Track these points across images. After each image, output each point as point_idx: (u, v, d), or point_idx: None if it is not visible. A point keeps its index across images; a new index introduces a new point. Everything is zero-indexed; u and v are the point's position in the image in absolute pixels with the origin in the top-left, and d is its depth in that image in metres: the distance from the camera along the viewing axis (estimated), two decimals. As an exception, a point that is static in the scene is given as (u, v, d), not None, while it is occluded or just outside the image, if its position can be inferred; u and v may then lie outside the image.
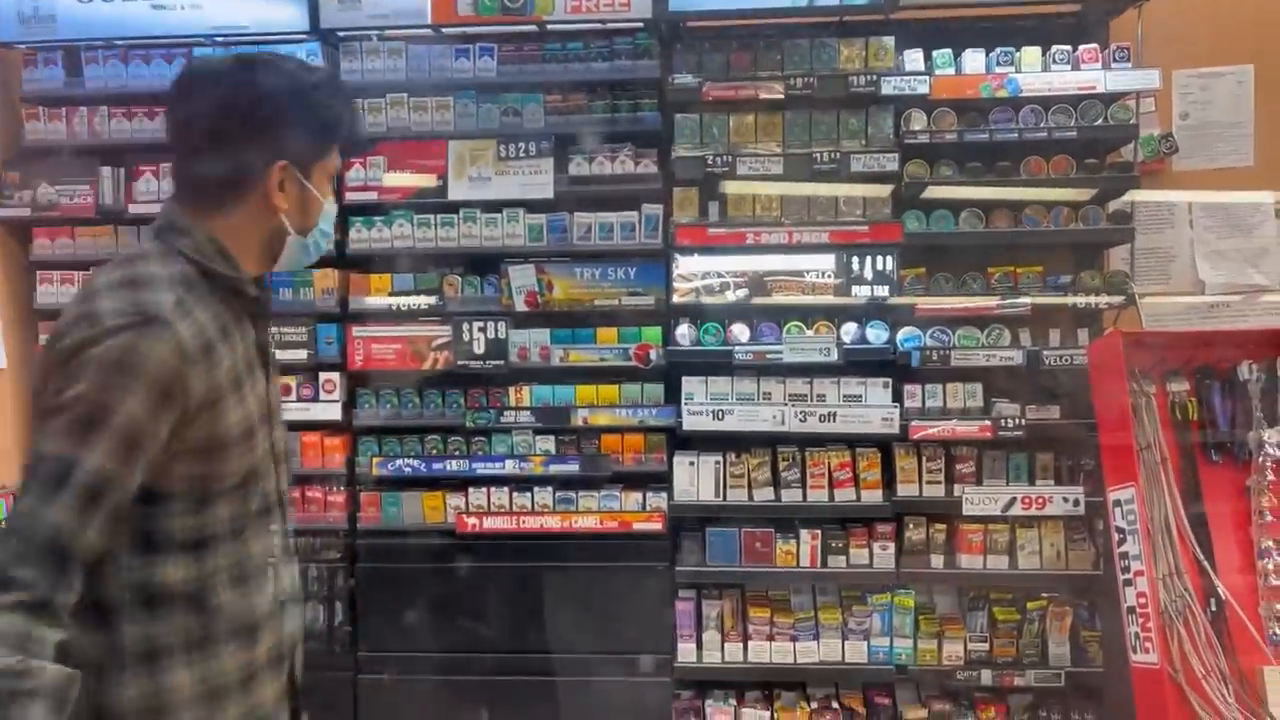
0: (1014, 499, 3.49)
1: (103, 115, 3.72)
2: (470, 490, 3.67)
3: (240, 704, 1.44)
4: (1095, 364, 3.34)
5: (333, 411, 3.72)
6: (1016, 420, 3.48)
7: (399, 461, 3.70)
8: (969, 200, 3.53)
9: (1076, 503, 3.48)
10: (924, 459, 3.56)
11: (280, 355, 3.70)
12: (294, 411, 3.71)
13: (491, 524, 3.64)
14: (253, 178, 1.47)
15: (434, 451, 3.70)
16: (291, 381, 3.73)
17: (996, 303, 3.52)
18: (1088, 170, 3.50)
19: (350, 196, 3.67)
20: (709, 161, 3.52)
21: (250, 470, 1.46)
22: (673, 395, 3.63)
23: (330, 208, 1.59)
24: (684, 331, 3.61)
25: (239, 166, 1.46)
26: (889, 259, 3.56)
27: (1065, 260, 3.65)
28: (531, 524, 3.63)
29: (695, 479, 3.59)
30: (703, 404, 3.57)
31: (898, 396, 3.57)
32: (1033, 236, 3.55)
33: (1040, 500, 3.49)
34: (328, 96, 1.52)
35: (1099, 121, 3.47)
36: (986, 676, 3.52)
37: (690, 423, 3.56)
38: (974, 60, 3.50)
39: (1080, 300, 3.52)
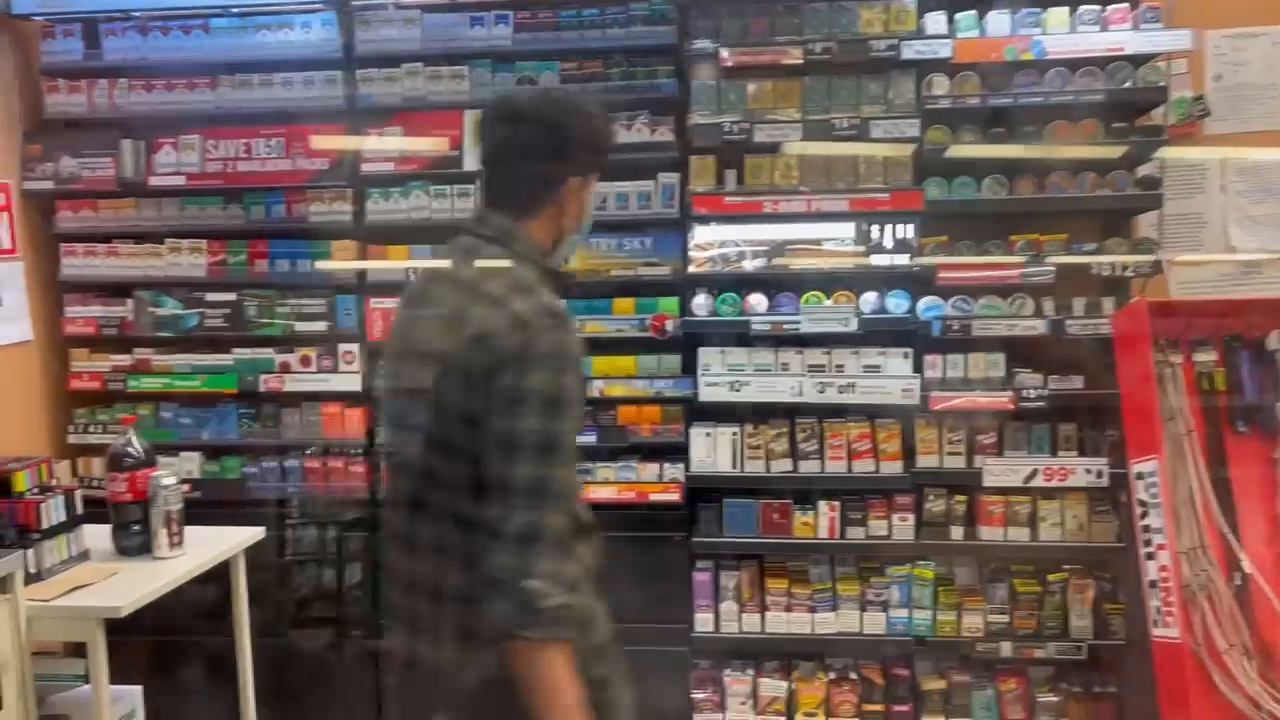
0: (1035, 470, 3.44)
1: (122, 87, 3.73)
2: (488, 460, 3.68)
3: (590, 588, 1.80)
4: (1119, 333, 3.28)
5: (352, 383, 3.73)
6: (1039, 391, 3.43)
7: (418, 432, 3.70)
8: (992, 166, 3.46)
9: (1100, 474, 3.42)
10: (944, 430, 3.52)
11: (299, 327, 3.76)
12: (313, 383, 3.75)
13: (510, 493, 3.64)
14: (557, 190, 1.81)
15: (453, 422, 3.71)
16: (311, 353, 3.75)
17: (1021, 261, 3.44)
18: (1115, 135, 3.41)
19: (366, 168, 3.67)
20: (726, 129, 3.47)
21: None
22: (689, 366, 3.61)
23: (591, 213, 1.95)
24: (701, 302, 3.57)
25: (550, 181, 1.81)
26: (910, 227, 3.50)
27: (1091, 227, 3.57)
28: (550, 493, 3.63)
29: (713, 450, 3.58)
30: (720, 375, 3.54)
31: (918, 367, 3.52)
32: (1058, 203, 3.47)
33: (1062, 472, 3.44)
34: (604, 126, 1.91)
35: (1128, 84, 3.37)
36: (1006, 648, 3.50)
37: (707, 394, 3.54)
38: (998, 22, 3.40)
39: (1104, 258, 3.42)
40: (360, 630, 3.78)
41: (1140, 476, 3.06)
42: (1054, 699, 3.53)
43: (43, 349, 3.84)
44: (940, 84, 3.45)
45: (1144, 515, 3.04)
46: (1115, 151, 3.43)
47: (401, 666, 1.83)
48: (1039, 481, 3.45)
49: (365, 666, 3.76)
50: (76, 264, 3.83)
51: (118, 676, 2.99)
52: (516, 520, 1.60)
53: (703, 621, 3.59)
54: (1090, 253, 3.47)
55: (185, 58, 3.68)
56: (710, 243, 3.59)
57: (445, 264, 1.89)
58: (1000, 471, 3.46)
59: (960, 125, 3.47)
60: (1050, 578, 3.53)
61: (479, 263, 1.78)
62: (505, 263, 1.76)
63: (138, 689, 3.06)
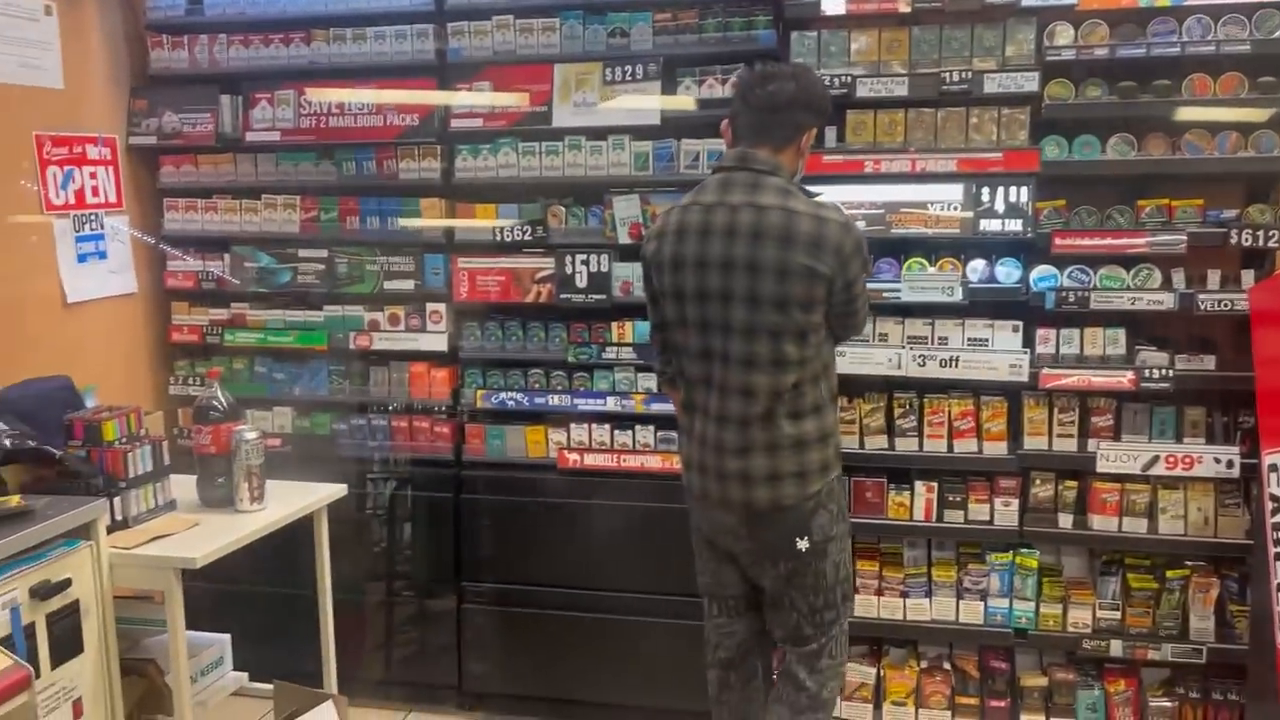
0: (1156, 457, 3.17)
1: (221, 43, 3.76)
2: (572, 426, 3.61)
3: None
4: (1257, 309, 2.97)
5: (439, 342, 3.70)
6: (1164, 371, 3.14)
7: (503, 395, 3.66)
8: (1119, 124, 3.17)
9: (1230, 464, 3.12)
10: (1055, 410, 3.27)
11: (388, 285, 3.74)
12: (402, 341, 3.74)
13: (592, 460, 3.57)
14: (802, 135, 2.51)
15: (537, 386, 3.65)
16: (400, 311, 3.73)
17: (1149, 228, 3.16)
18: (1262, 91, 3.08)
19: (456, 124, 3.60)
20: (827, 83, 3.25)
21: None
22: (782, 334, 3.44)
23: None
24: (795, 267, 3.39)
25: (801, 128, 2.50)
26: (1024, 190, 3.23)
27: (1231, 193, 3.24)
28: (632, 463, 3.54)
29: (803, 423, 3.40)
30: (813, 344, 3.36)
31: (1028, 341, 3.28)
32: (1193, 165, 3.15)
33: (1188, 460, 3.16)
34: (827, 91, 2.65)
35: (1278, 34, 3.03)
36: (1116, 647, 3.25)
37: (799, 363, 3.37)
38: (1132, -36, 3.11)
39: (1246, 227, 3.08)
40: (440, 586, 3.78)
41: (1274, 469, 2.76)
42: (1168, 704, 3.28)
43: (146, 301, 3.93)
44: (1064, 33, 3.17)
45: (1275, 512, 2.75)
46: (1262, 112, 3.10)
47: (741, 509, 2.52)
48: (1160, 469, 3.18)
49: (446, 622, 3.77)
50: (178, 219, 3.90)
51: (212, 623, 3.07)
52: (863, 313, 2.58)
53: (787, 601, 3.45)
54: (1229, 221, 3.15)
55: (281, 12, 3.68)
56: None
57: (709, 199, 2.46)
58: (1116, 457, 3.20)
59: (1084, 79, 3.19)
60: (1169, 574, 3.25)
61: (766, 189, 2.42)
62: (788, 186, 2.44)
63: (226, 637, 3.11)
